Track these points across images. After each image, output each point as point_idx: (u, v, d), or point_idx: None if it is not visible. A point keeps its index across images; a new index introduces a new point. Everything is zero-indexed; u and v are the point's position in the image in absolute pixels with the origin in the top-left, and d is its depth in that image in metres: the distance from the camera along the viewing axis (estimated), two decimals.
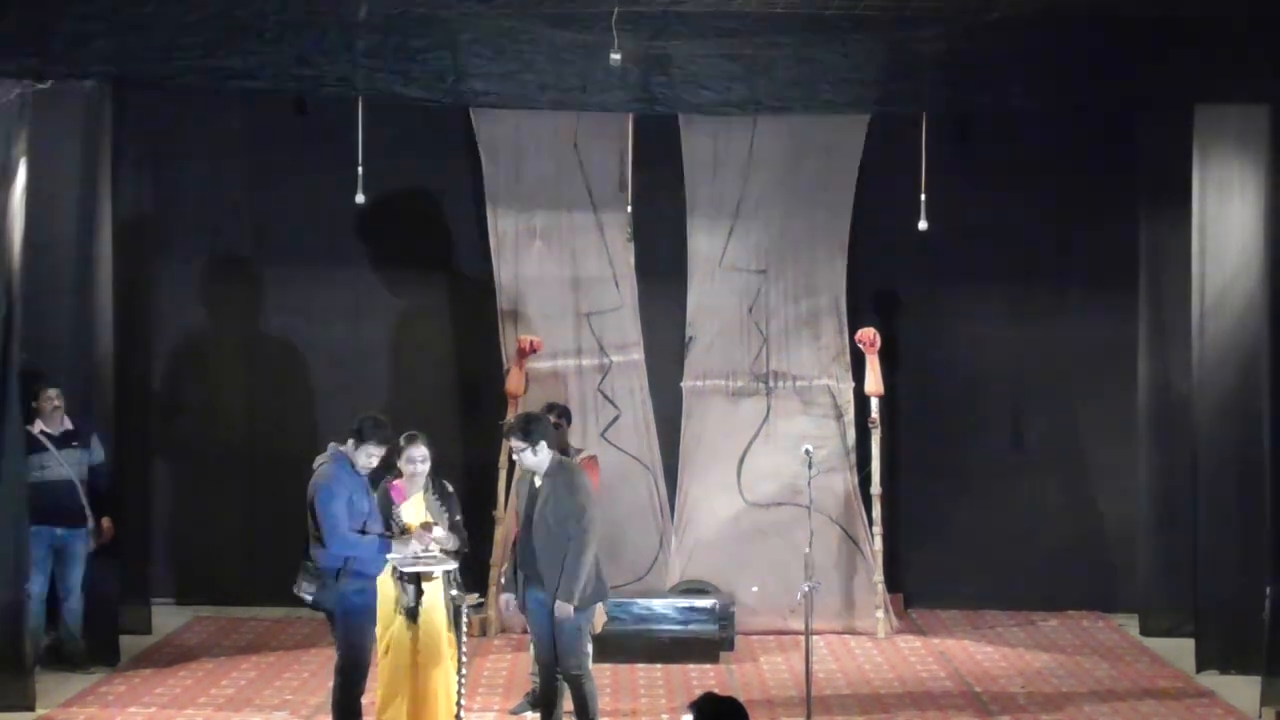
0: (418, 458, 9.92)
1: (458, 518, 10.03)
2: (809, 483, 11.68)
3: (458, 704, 9.73)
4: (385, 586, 9.83)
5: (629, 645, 12.40)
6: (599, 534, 10.19)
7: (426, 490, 9.98)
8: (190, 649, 12.85)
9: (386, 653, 9.82)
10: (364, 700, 10.72)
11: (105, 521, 12.15)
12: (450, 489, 10.11)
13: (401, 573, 9.69)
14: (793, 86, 13.26)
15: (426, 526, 9.78)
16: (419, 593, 9.68)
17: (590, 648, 10.79)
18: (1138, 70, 12.58)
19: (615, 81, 12.50)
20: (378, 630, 9.87)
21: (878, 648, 13.15)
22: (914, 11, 11.86)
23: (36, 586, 11.74)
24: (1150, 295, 13.71)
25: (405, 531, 9.77)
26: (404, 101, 13.47)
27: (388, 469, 10.07)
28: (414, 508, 9.93)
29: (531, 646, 10.68)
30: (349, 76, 12.82)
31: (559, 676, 10.08)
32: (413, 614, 9.70)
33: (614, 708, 11.38)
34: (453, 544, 9.88)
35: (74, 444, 12.07)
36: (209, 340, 14.43)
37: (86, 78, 12.09)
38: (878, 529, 13.48)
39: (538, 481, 10.00)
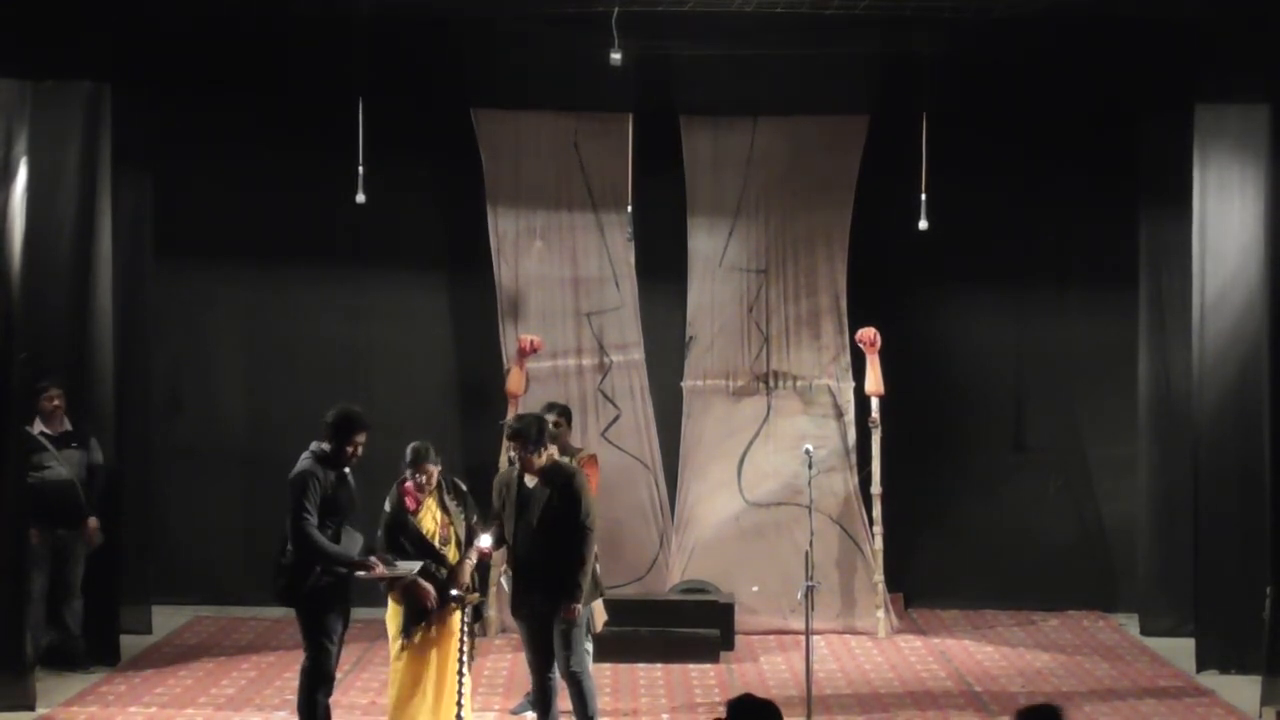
0: (428, 474, 9.83)
1: (475, 518, 10.02)
2: (809, 483, 11.69)
3: (458, 704, 9.73)
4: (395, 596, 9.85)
5: (629, 645, 12.38)
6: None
7: (439, 491, 9.95)
8: (190, 649, 12.86)
9: (400, 655, 9.80)
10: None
11: (91, 523, 12.09)
12: (464, 488, 10.10)
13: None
14: (793, 86, 13.32)
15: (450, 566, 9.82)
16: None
17: (591, 647, 10.80)
18: (1138, 70, 12.61)
19: (615, 81, 12.52)
20: (390, 633, 9.87)
21: (878, 648, 13.15)
22: (914, 12, 11.87)
23: (36, 586, 11.74)
24: (1150, 295, 13.71)
25: (432, 554, 9.79)
26: (404, 102, 13.53)
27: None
28: (428, 513, 9.90)
29: None
30: (349, 76, 12.87)
31: (551, 677, 10.06)
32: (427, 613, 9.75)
33: (614, 708, 11.38)
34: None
35: (74, 444, 12.07)
36: (209, 340, 14.43)
37: (86, 78, 12.11)
38: (878, 529, 13.48)
39: (530, 482, 9.96)
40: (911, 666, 12.60)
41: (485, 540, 9.86)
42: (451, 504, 9.92)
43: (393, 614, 9.89)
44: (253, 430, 14.29)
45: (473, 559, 9.87)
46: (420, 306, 14.43)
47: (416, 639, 9.75)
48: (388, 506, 9.89)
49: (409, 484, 9.89)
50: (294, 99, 13.65)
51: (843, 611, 13.58)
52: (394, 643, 9.85)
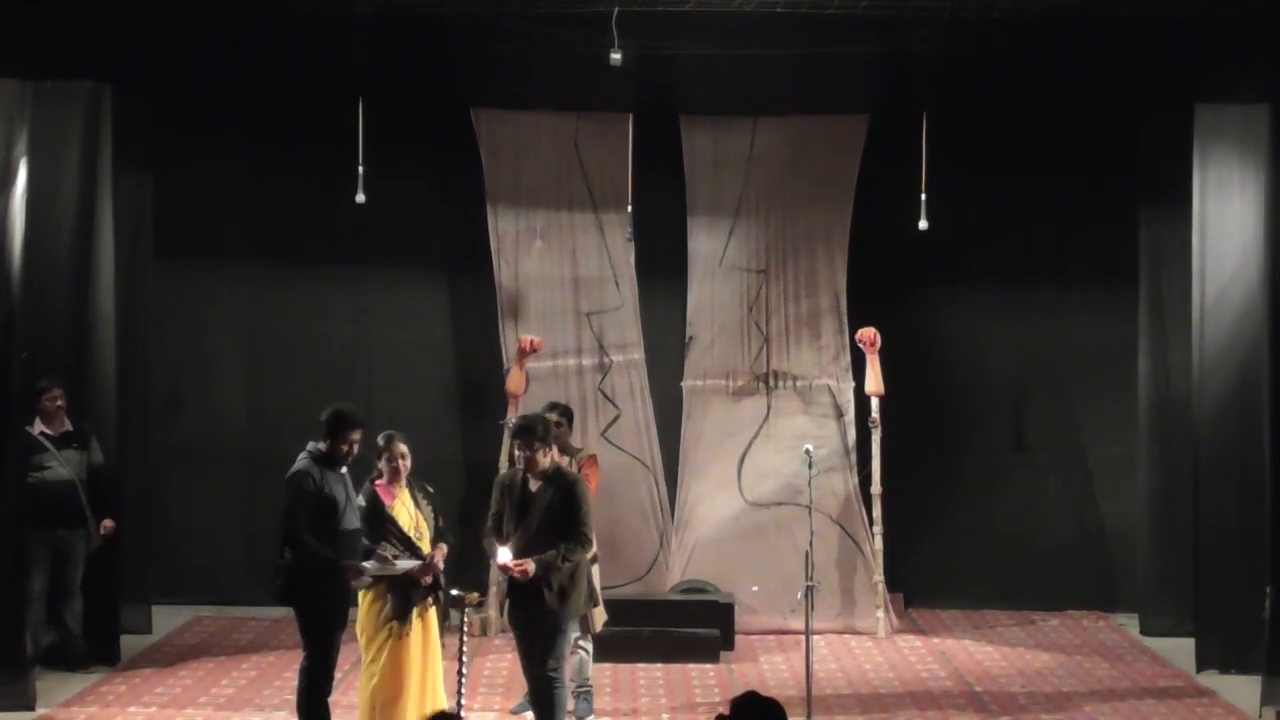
0: (400, 454, 9.89)
1: (440, 521, 10.02)
2: (809, 482, 11.71)
3: (458, 704, 9.72)
4: (368, 597, 9.83)
5: (629, 645, 12.37)
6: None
7: (410, 486, 9.96)
8: (190, 649, 12.86)
9: (374, 660, 9.78)
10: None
11: (106, 522, 12.14)
12: (430, 489, 10.10)
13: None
14: (793, 86, 13.32)
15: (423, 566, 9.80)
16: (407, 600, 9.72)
17: (590, 647, 10.80)
18: (1137, 69, 12.61)
19: (615, 81, 12.52)
20: (362, 639, 9.85)
21: (878, 648, 13.15)
22: (914, 12, 11.87)
23: (36, 586, 11.75)
24: (1150, 295, 13.71)
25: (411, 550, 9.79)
26: (404, 102, 13.54)
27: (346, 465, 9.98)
28: (404, 506, 9.92)
29: None
30: (349, 76, 12.88)
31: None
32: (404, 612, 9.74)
33: (614, 708, 11.38)
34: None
35: (74, 444, 12.07)
36: (209, 340, 14.43)
37: (86, 78, 12.11)
38: (878, 529, 13.48)
39: (533, 485, 9.91)
40: (911, 666, 12.60)
41: (504, 554, 9.74)
42: (422, 500, 9.95)
43: (366, 615, 9.84)
44: (253, 430, 14.29)
45: (440, 556, 9.83)
46: (420, 306, 14.43)
47: (392, 638, 9.74)
48: (361, 502, 9.88)
49: (381, 482, 9.91)
50: (294, 99, 13.66)
51: (843, 611, 13.58)
52: (370, 644, 9.81)
